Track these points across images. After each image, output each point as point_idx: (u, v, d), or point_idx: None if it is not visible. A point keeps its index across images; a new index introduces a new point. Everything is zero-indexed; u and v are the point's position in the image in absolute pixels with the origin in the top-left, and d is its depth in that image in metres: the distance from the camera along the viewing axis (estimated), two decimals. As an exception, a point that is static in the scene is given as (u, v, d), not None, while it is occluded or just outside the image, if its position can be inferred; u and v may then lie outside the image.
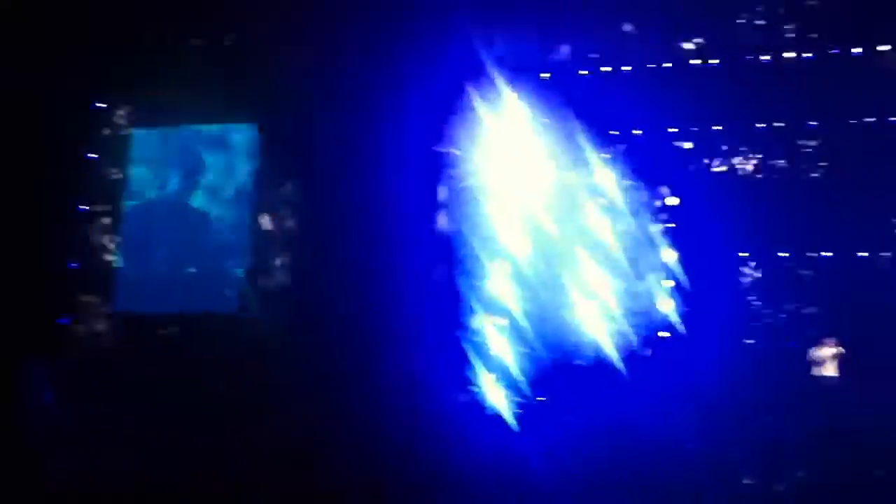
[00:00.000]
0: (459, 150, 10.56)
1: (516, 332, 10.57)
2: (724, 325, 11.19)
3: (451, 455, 9.33)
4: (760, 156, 11.35)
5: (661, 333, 11.14)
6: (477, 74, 10.45)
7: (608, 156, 11.07)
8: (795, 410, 10.35)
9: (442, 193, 10.65)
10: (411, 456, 9.32)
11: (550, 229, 10.80)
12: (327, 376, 9.89)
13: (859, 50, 10.21)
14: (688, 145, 11.44)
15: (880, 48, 10.16)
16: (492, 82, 10.55)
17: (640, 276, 11.14)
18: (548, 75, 10.91)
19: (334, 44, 10.52)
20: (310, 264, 10.66)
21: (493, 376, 10.37)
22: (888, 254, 10.79)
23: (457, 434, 9.60)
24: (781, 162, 11.32)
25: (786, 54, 10.42)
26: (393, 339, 10.03)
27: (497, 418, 10.14)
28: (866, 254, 10.93)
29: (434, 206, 10.57)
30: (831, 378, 10.76)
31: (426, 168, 10.54)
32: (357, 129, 10.34)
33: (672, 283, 11.14)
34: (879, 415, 10.15)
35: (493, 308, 10.60)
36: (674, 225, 11.28)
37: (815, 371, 10.84)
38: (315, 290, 10.44)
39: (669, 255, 11.15)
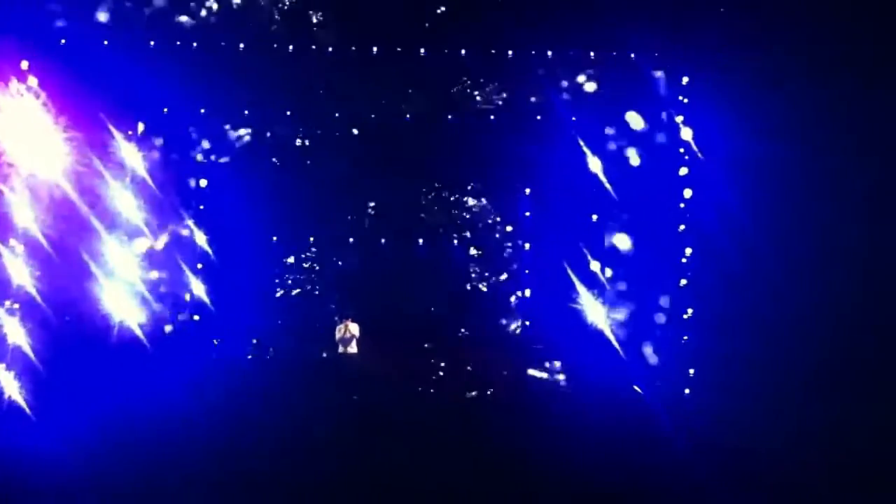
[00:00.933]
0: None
1: (34, 315, 9.87)
2: (258, 307, 11.49)
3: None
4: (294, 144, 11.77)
5: (194, 316, 11.13)
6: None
7: (133, 133, 10.73)
8: (329, 386, 10.94)
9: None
10: None
11: (74, 209, 10.22)
12: None
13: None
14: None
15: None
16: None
17: (171, 258, 10.98)
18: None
19: None
20: None
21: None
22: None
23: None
24: (313, 151, 11.83)
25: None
26: None
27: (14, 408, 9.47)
28: (384, 240, 11.82)
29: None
30: (354, 357, 11.47)
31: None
32: None
33: (202, 265, 11.13)
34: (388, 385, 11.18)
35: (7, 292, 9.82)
36: (202, 207, 11.28)
37: (341, 349, 11.48)
38: None
39: (200, 237, 11.12)
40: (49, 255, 9.99)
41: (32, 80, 10.06)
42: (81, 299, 10.21)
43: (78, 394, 9.82)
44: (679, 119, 10.87)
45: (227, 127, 11.49)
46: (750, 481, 8.86)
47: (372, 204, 11.81)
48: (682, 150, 10.87)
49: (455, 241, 11.81)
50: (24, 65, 10.02)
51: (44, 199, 10.11)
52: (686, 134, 10.80)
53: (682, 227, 10.90)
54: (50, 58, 10.16)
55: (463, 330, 11.74)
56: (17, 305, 9.86)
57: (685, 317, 10.81)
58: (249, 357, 11.20)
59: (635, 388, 10.58)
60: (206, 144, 11.37)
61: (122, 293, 10.46)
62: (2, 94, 9.89)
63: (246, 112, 11.42)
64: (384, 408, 10.40)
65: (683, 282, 10.87)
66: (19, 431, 9.31)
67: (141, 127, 10.82)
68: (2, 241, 9.81)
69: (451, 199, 11.86)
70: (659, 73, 11.02)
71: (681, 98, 10.94)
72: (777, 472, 9.07)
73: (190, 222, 11.09)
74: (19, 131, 10.06)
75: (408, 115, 11.54)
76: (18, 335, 9.83)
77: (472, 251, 11.85)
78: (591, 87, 11.30)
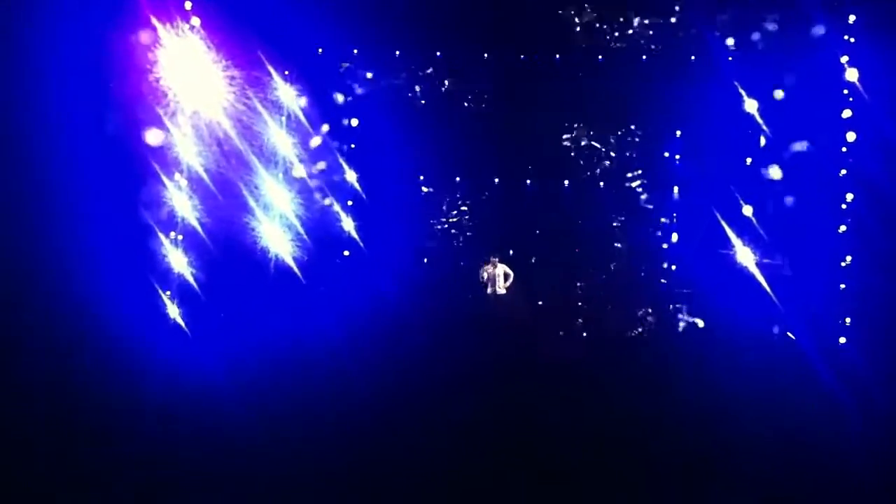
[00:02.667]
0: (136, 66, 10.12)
1: (198, 247, 10.36)
2: (403, 245, 11.71)
3: (141, 370, 9.02)
4: (442, 84, 11.86)
5: (344, 252, 11.44)
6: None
7: (289, 73, 11.02)
8: (473, 325, 11.09)
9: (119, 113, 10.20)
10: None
11: (232, 145, 10.62)
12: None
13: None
14: (369, 73, 11.70)
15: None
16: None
17: (323, 196, 11.31)
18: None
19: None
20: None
21: (173, 291, 10.16)
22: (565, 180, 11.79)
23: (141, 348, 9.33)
24: (461, 90, 11.89)
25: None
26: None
27: (180, 332, 9.99)
28: (530, 181, 11.80)
29: (110, 126, 10.10)
30: (501, 297, 11.58)
31: (97, 89, 10.04)
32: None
33: (352, 202, 11.40)
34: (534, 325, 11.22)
35: (173, 224, 10.32)
36: (353, 146, 11.53)
37: (488, 290, 11.61)
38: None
39: (351, 175, 11.38)
40: (210, 189, 10.43)
41: (195, 20, 10.40)
42: (240, 232, 10.63)
43: (237, 323, 10.33)
44: (844, 59, 10.36)
45: (377, 69, 11.68)
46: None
47: (517, 145, 11.81)
48: (846, 91, 10.38)
49: (601, 185, 11.69)
50: (188, 5, 10.37)
51: (205, 135, 10.51)
52: (851, 75, 10.30)
53: (844, 171, 10.45)
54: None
55: (609, 273, 11.67)
56: (181, 237, 10.34)
57: (843, 264, 10.41)
58: (397, 291, 11.42)
59: (789, 334, 10.30)
60: (357, 86, 11.61)
61: (278, 227, 10.81)
62: (166, 33, 10.25)
63: (397, 53, 11.58)
64: (530, 349, 10.48)
65: (843, 228, 10.45)
66: (181, 356, 9.76)
67: (291, 69, 11.07)
68: (168, 176, 10.26)
69: (599, 141, 11.74)
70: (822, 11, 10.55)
71: (846, 38, 10.41)
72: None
73: (341, 160, 11.36)
74: (182, 70, 10.41)
75: (557, 56, 11.46)
76: (181, 265, 10.31)
77: (620, 194, 11.71)
78: (750, 26, 10.93)
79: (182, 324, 10.05)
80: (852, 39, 10.37)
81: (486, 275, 11.60)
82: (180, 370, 9.18)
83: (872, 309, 10.10)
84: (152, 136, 10.24)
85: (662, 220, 11.67)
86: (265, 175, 10.71)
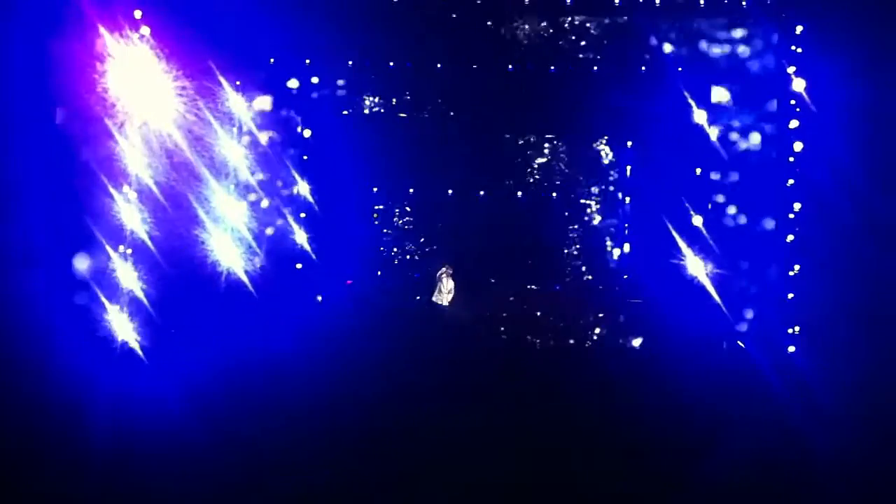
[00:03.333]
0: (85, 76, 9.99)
1: (147, 261, 10.23)
2: (356, 257, 11.67)
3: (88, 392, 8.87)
4: (396, 95, 11.85)
5: (296, 265, 11.36)
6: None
7: (240, 83, 10.93)
8: (421, 337, 11.07)
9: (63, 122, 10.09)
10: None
11: (182, 157, 10.50)
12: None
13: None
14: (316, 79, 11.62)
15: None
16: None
17: (275, 207, 11.22)
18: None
19: None
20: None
21: (119, 308, 10.02)
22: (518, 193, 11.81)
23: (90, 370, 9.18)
24: (413, 101, 11.87)
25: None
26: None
27: (129, 351, 9.85)
28: (483, 192, 11.83)
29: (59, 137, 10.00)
30: (452, 308, 11.56)
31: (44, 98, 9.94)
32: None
33: (305, 215, 11.32)
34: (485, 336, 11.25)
35: (121, 238, 10.17)
36: (306, 157, 11.46)
37: (437, 298, 11.59)
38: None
39: (304, 187, 11.30)
40: (159, 201, 10.30)
41: (145, 29, 10.28)
42: (190, 246, 10.51)
43: (188, 337, 10.22)
44: (791, 70, 10.51)
45: (334, 79, 11.62)
46: (857, 443, 8.64)
47: (471, 156, 11.83)
48: (793, 101, 10.53)
49: (554, 195, 11.74)
50: (138, 14, 10.25)
51: (154, 146, 10.38)
52: (798, 85, 10.45)
53: (791, 181, 10.60)
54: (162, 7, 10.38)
55: (562, 283, 11.72)
56: (129, 251, 10.20)
57: (791, 273, 10.55)
58: (350, 304, 11.38)
59: (739, 343, 10.42)
60: (311, 95, 11.54)
61: (229, 239, 10.70)
62: (115, 43, 10.12)
63: (349, 63, 11.54)
64: (480, 359, 10.51)
65: (790, 237, 10.60)
66: (133, 373, 9.65)
67: (242, 79, 10.98)
68: (116, 188, 10.12)
69: (550, 151, 11.79)
70: (770, 22, 10.72)
71: (793, 48, 10.57)
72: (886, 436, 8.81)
73: (294, 172, 11.28)
74: (131, 80, 10.29)
75: (509, 66, 11.49)
76: (130, 279, 10.17)
77: (571, 205, 11.77)
78: (698, 34, 11.06)
79: (133, 341, 9.93)
80: (799, 49, 10.53)
81: (440, 285, 11.59)
82: (130, 389, 9.08)
83: (820, 318, 10.25)
84: (100, 148, 10.12)
85: (612, 230, 11.75)
86: (216, 186, 10.60)
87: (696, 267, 10.68)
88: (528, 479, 8.10)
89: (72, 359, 9.17)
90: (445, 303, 11.49)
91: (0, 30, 9.74)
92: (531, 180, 11.81)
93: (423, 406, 9.32)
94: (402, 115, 11.80)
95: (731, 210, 10.96)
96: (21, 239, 9.81)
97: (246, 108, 10.93)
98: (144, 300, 10.08)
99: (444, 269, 11.59)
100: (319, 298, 11.37)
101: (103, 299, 9.96)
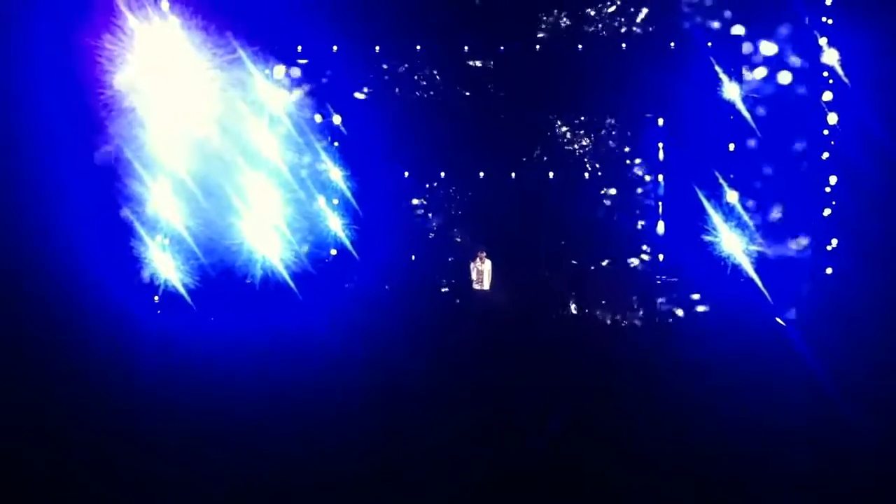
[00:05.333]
0: (116, 68, 10.06)
1: (184, 251, 10.32)
2: (391, 242, 11.70)
3: (135, 381, 8.94)
4: (424, 79, 11.83)
5: (331, 251, 11.42)
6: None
7: (273, 74, 10.98)
8: (463, 320, 11.09)
9: (99, 116, 10.16)
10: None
11: (216, 148, 10.57)
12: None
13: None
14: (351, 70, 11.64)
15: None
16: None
17: (308, 194, 11.28)
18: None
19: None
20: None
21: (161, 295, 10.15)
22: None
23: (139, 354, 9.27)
24: (442, 85, 11.86)
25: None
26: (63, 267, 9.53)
27: (171, 336, 9.94)
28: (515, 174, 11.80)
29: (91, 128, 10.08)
30: (488, 292, 11.58)
31: (79, 91, 9.99)
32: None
33: (338, 201, 11.37)
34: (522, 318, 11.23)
35: (158, 228, 10.29)
36: (337, 144, 11.50)
37: (476, 285, 11.60)
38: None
39: (335, 173, 11.35)
40: (193, 191, 10.39)
41: (174, 20, 10.34)
42: (225, 234, 10.60)
43: (223, 322, 10.31)
44: (823, 41, 10.37)
45: (362, 65, 11.67)
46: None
47: (502, 138, 11.80)
48: (825, 73, 10.40)
49: (587, 174, 11.69)
50: (165, 4, 10.31)
51: (186, 136, 10.46)
52: (830, 57, 10.32)
53: (826, 154, 10.47)
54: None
55: (596, 263, 11.70)
56: (167, 240, 10.31)
57: (829, 248, 10.44)
58: (385, 289, 11.42)
59: (778, 319, 10.33)
60: (340, 83, 11.57)
61: (263, 227, 10.78)
62: (143, 31, 10.18)
63: (377, 49, 11.54)
64: (515, 340, 10.48)
65: (827, 212, 10.48)
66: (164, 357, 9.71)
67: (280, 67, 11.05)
68: (152, 178, 10.22)
69: (582, 130, 11.73)
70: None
71: (824, 19, 10.42)
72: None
73: (326, 158, 11.34)
74: (160, 68, 10.36)
75: (537, 46, 11.43)
76: (168, 268, 10.28)
77: (605, 183, 11.72)
78: (728, 11, 10.95)
79: (169, 327, 10.03)
80: (830, 21, 10.39)
81: (475, 270, 11.60)
82: (168, 373, 9.15)
83: (858, 293, 10.12)
84: (132, 137, 10.20)
85: (646, 208, 11.70)
86: (249, 175, 10.67)
87: (732, 244, 10.60)
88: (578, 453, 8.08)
89: (114, 345, 9.26)
90: (485, 286, 11.50)
91: (27, 21, 9.77)
92: (563, 161, 11.76)
93: (460, 390, 9.32)
94: (431, 98, 11.76)
95: (769, 185, 10.85)
96: (58, 226, 9.87)
97: (276, 96, 10.97)
98: (181, 288, 10.18)
99: (479, 254, 11.59)
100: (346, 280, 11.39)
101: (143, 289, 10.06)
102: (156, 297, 10.14)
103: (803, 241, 10.60)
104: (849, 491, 7.33)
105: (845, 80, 10.27)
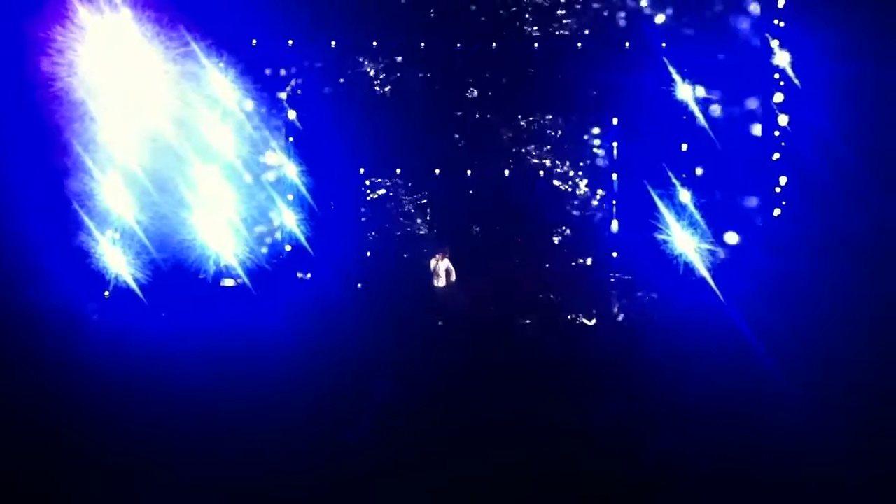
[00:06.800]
0: (66, 60, 9.92)
1: (135, 245, 10.19)
2: (346, 238, 11.65)
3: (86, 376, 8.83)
4: (381, 75, 11.79)
5: (285, 246, 11.34)
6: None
7: (226, 66, 10.86)
8: (418, 315, 11.08)
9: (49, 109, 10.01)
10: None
11: (169, 142, 10.45)
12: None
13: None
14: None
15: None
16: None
17: (262, 189, 11.20)
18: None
19: None
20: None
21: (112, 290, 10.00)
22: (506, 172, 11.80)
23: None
24: (398, 80, 11.82)
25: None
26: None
27: (122, 332, 9.83)
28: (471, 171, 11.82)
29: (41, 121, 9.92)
30: (445, 288, 11.57)
31: (28, 83, 9.85)
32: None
33: (293, 196, 11.29)
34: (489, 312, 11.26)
35: (109, 222, 10.14)
36: (292, 139, 11.42)
37: (435, 281, 11.58)
38: None
39: (291, 169, 11.27)
40: (146, 186, 10.27)
41: (126, 12, 10.21)
42: (177, 230, 10.48)
43: (175, 322, 10.19)
44: (775, 43, 10.54)
45: (318, 60, 11.58)
46: (846, 415, 8.65)
47: (457, 135, 11.81)
48: (776, 75, 10.57)
49: (541, 173, 11.74)
50: (119, -2, 10.18)
51: (139, 130, 10.35)
52: (782, 59, 10.49)
53: (777, 154, 10.65)
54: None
55: (551, 262, 11.74)
56: (117, 235, 10.17)
57: (778, 246, 10.60)
58: (341, 285, 11.36)
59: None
60: (295, 78, 11.49)
61: (217, 224, 10.68)
62: (95, 23, 10.04)
63: (333, 44, 11.49)
64: (479, 341, 10.49)
65: (777, 211, 10.65)
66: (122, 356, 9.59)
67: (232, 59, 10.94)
68: (102, 173, 10.08)
69: (537, 128, 11.78)
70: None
71: (776, 21, 10.60)
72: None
73: (281, 152, 11.26)
74: (111, 61, 10.23)
75: (493, 44, 11.48)
76: (119, 264, 10.14)
77: (559, 183, 11.77)
78: (680, 10, 11.09)
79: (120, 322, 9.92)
80: (782, 24, 10.56)
81: (434, 267, 11.59)
82: (119, 368, 9.04)
83: (810, 292, 10.29)
84: (85, 130, 10.06)
85: (599, 208, 11.78)
86: (201, 169, 10.56)
87: (686, 243, 10.71)
88: (533, 464, 8.10)
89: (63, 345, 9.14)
90: (444, 283, 11.50)
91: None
92: (518, 158, 11.80)
93: (421, 391, 9.31)
94: (386, 94, 11.74)
95: (721, 184, 11.01)
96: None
97: (230, 90, 10.86)
98: (133, 284, 10.05)
99: (439, 252, 11.58)
100: (301, 276, 11.33)
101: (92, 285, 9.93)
102: (106, 293, 10.01)
103: (755, 239, 10.77)
104: (811, 487, 7.53)
105: (796, 81, 10.45)
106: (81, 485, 7.56)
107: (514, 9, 11.48)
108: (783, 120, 10.59)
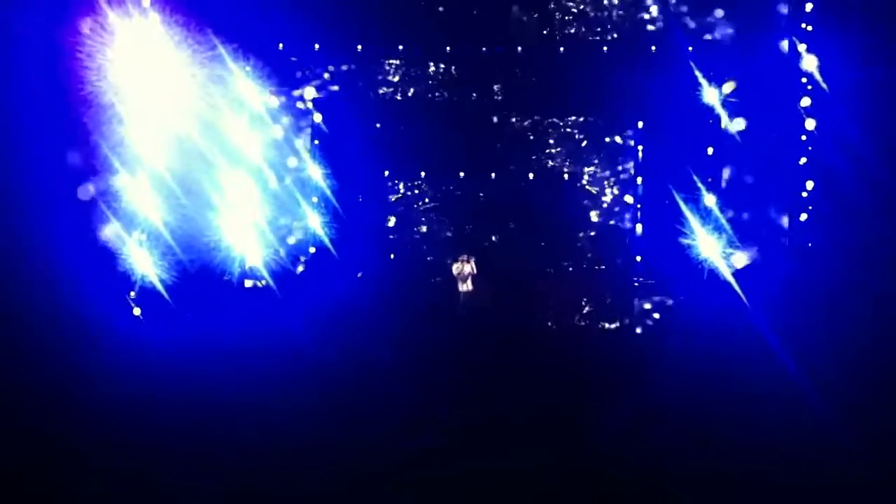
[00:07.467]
0: (95, 64, 10.03)
1: (160, 246, 10.28)
2: (370, 240, 11.68)
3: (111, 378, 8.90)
4: (406, 78, 11.81)
5: (310, 248, 11.39)
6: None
7: (252, 70, 10.94)
8: (442, 317, 11.10)
9: (77, 111, 10.11)
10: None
11: (196, 144, 10.53)
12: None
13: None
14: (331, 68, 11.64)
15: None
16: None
17: (287, 192, 11.26)
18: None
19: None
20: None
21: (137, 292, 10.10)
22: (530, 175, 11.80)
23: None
24: (422, 84, 11.85)
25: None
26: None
27: (147, 333, 9.92)
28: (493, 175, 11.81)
29: (70, 123, 10.02)
30: (469, 291, 11.57)
31: (57, 86, 9.95)
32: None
33: (317, 199, 11.34)
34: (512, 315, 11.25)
35: (136, 223, 10.23)
36: (318, 142, 11.47)
37: (458, 284, 11.59)
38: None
39: (315, 172, 11.33)
40: (172, 188, 10.35)
41: (154, 17, 10.29)
42: (203, 233, 10.56)
43: (200, 324, 10.26)
44: (802, 48, 10.47)
45: (344, 63, 11.62)
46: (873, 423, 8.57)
47: (482, 138, 11.81)
48: (804, 79, 10.50)
49: (566, 176, 11.72)
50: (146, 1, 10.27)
51: (166, 132, 10.43)
52: (809, 63, 10.42)
53: (804, 159, 10.58)
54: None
55: (575, 265, 11.72)
56: (144, 236, 10.26)
57: (805, 250, 10.53)
58: (364, 288, 11.39)
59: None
60: (321, 81, 11.55)
61: (243, 227, 10.75)
62: (123, 25, 10.13)
63: (359, 48, 11.54)
64: (496, 342, 10.50)
65: (804, 216, 10.58)
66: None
67: (258, 63, 11.01)
68: (130, 175, 10.17)
69: (562, 131, 11.77)
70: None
71: (804, 25, 10.53)
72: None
73: (305, 157, 11.32)
74: (140, 64, 10.32)
75: (519, 48, 11.48)
76: (145, 265, 10.23)
77: (583, 186, 11.76)
78: (707, 14, 11.04)
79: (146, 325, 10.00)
80: (810, 27, 10.49)
81: (458, 271, 11.60)
82: (144, 370, 9.10)
83: (835, 297, 10.21)
84: (113, 133, 10.15)
85: (624, 211, 11.74)
86: (227, 172, 10.63)
87: (710, 248, 10.65)
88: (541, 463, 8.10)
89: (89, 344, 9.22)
90: (468, 287, 11.51)
91: (4, 16, 9.73)
92: (542, 161, 11.79)
93: (439, 392, 9.33)
94: (411, 97, 11.76)
95: (746, 189, 10.94)
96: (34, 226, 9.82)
97: (256, 93, 10.94)
98: (159, 286, 10.14)
99: (462, 258, 11.59)
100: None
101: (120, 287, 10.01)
102: (132, 293, 10.10)
103: (781, 243, 10.71)
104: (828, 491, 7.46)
105: (824, 85, 10.37)
106: (108, 485, 7.64)
107: (540, 12, 11.48)
108: (810, 124, 10.50)
